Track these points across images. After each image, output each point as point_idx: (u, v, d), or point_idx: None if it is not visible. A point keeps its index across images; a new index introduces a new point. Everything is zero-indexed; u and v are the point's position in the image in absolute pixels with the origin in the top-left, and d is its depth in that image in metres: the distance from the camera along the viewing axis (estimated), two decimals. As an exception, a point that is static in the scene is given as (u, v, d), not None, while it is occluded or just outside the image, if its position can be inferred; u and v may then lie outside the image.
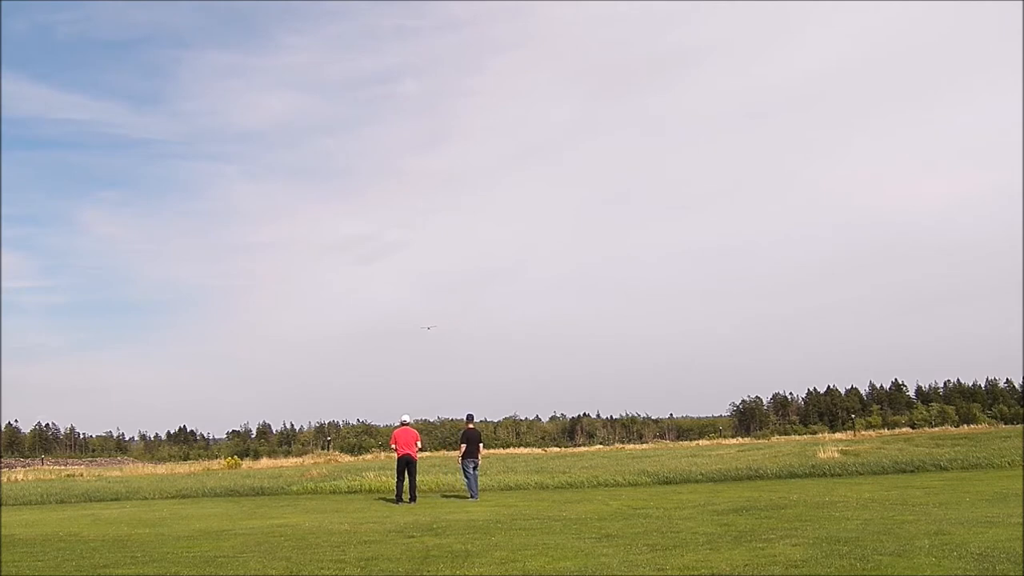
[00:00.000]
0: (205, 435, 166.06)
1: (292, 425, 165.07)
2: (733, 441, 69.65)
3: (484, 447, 18.04)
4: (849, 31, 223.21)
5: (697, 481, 20.14)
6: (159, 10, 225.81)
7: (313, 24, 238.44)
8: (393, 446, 17.15)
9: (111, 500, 21.99)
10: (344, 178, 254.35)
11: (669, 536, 9.67)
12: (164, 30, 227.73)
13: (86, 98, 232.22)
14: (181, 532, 12.33)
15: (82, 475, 40.52)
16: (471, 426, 17.72)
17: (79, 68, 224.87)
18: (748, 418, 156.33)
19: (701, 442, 77.06)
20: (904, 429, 74.35)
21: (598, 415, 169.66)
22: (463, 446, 17.34)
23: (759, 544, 8.68)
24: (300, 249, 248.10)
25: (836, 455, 24.94)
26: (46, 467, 62.86)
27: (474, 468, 17.32)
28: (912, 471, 20.32)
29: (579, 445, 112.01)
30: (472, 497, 16.86)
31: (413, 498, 16.56)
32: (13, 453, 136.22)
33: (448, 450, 79.82)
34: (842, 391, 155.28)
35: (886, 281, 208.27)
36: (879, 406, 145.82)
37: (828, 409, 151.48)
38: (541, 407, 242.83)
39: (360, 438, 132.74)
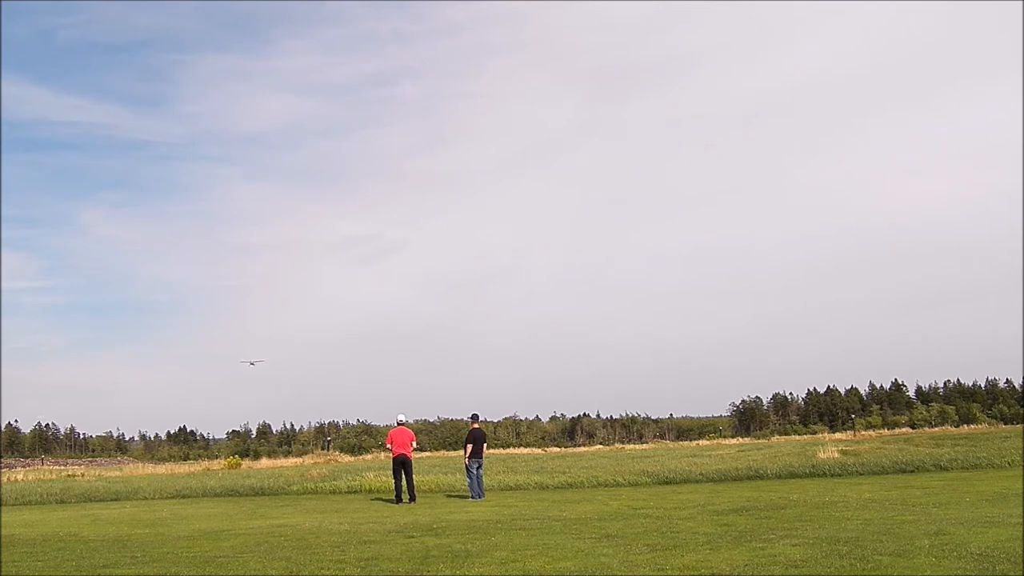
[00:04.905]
0: (205, 435, 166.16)
1: (292, 425, 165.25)
2: (733, 441, 69.58)
3: (486, 447, 18.02)
4: (849, 32, 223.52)
5: (697, 481, 20.13)
6: (160, 14, 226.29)
7: (313, 28, 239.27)
8: (389, 446, 17.16)
9: (111, 500, 21.97)
10: (344, 179, 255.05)
11: (669, 536, 9.67)
12: (165, 34, 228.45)
13: (87, 100, 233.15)
14: (181, 532, 12.33)
15: (82, 475, 40.47)
16: (476, 426, 17.70)
17: (80, 71, 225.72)
18: (748, 418, 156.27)
19: (701, 442, 77.01)
20: (904, 429, 74.32)
21: (598, 415, 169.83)
22: (469, 446, 17.31)
23: (759, 544, 8.68)
24: (300, 250, 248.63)
25: (836, 455, 24.92)
26: (46, 467, 62.82)
27: (478, 468, 17.30)
28: (912, 471, 20.31)
29: (579, 445, 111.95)
30: (474, 498, 16.85)
31: (412, 498, 16.55)
32: (13, 453, 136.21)
33: (448, 450, 79.85)
34: (842, 391, 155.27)
35: (886, 281, 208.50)
36: (879, 406, 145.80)
37: (828, 409, 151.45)
38: (541, 407, 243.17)
39: (360, 438, 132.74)
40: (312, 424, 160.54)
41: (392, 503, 16.66)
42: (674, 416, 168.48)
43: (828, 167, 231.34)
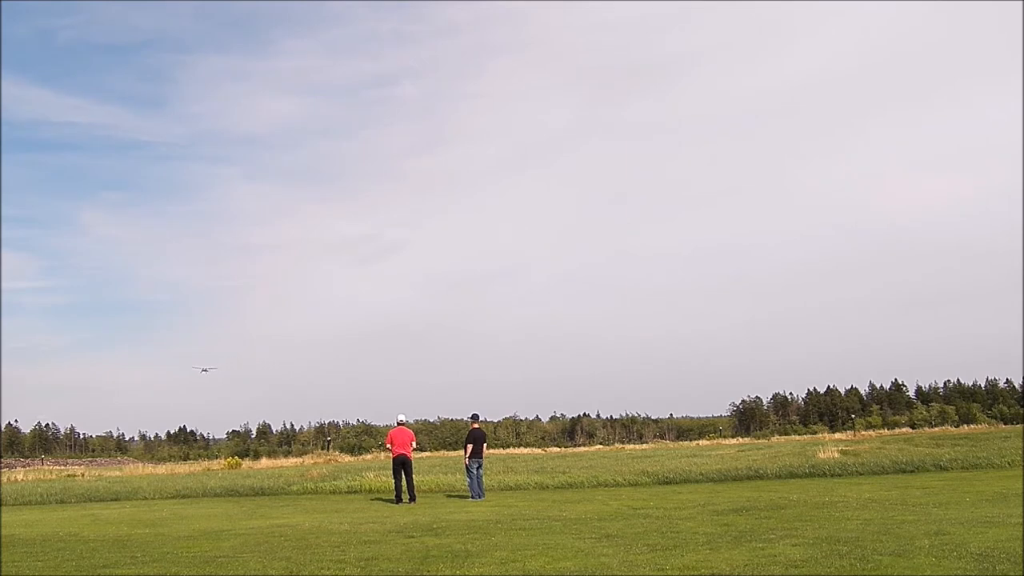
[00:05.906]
0: (205, 435, 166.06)
1: (292, 425, 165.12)
2: (733, 441, 69.56)
3: (486, 447, 18.03)
4: (849, 32, 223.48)
5: (697, 481, 20.13)
6: (160, 14, 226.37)
7: (313, 28, 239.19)
8: (389, 446, 17.17)
9: (111, 500, 21.98)
10: (344, 180, 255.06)
11: (669, 536, 9.67)
12: (165, 34, 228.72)
13: (87, 101, 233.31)
14: (181, 532, 12.33)
15: (82, 475, 40.45)
16: (476, 426, 17.70)
17: (80, 72, 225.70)
18: (748, 418, 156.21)
19: (701, 442, 76.96)
20: (904, 429, 74.26)
21: (598, 415, 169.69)
22: (469, 447, 17.31)
23: (759, 544, 8.68)
24: (300, 250, 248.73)
25: (836, 455, 24.93)
26: (46, 467, 62.77)
27: (478, 468, 17.30)
28: (912, 471, 20.32)
29: (579, 445, 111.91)
30: (474, 497, 16.84)
31: (412, 498, 16.56)
32: (13, 453, 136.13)
33: (448, 450, 79.84)
34: (842, 391, 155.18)
35: (886, 281, 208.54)
36: (879, 406, 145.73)
37: (828, 409, 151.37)
38: (541, 407, 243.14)
39: (360, 438, 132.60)
40: (312, 424, 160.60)
41: (392, 503, 16.66)
42: (674, 416, 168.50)
43: (828, 167, 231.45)
